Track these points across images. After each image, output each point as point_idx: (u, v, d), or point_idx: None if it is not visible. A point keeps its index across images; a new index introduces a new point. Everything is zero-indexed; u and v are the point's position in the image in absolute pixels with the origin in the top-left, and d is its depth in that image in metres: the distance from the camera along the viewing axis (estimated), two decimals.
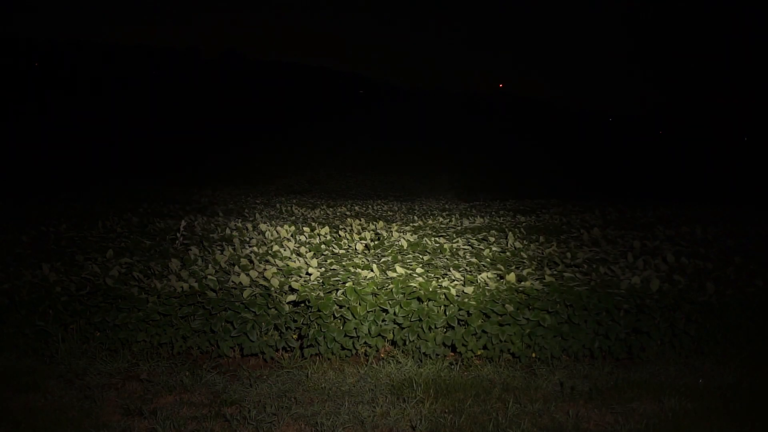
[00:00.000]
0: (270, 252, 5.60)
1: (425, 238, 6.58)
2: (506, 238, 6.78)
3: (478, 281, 4.66)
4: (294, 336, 4.44)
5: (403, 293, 4.34)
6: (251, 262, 5.31)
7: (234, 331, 4.29)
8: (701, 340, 4.43)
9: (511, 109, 63.39)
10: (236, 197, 17.01)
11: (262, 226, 7.28)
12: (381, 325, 4.29)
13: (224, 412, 3.52)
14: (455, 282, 4.63)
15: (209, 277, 4.70)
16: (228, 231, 7.19)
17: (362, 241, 6.30)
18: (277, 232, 6.91)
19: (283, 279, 4.60)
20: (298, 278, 4.68)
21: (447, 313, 4.30)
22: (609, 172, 31.81)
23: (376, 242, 6.38)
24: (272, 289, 4.48)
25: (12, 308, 4.47)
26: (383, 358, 4.35)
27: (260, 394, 3.80)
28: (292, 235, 6.74)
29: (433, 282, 4.52)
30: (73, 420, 3.43)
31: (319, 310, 4.24)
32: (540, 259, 5.62)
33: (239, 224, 7.89)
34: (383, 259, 5.43)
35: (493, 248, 6.09)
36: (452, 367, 4.22)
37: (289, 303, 4.41)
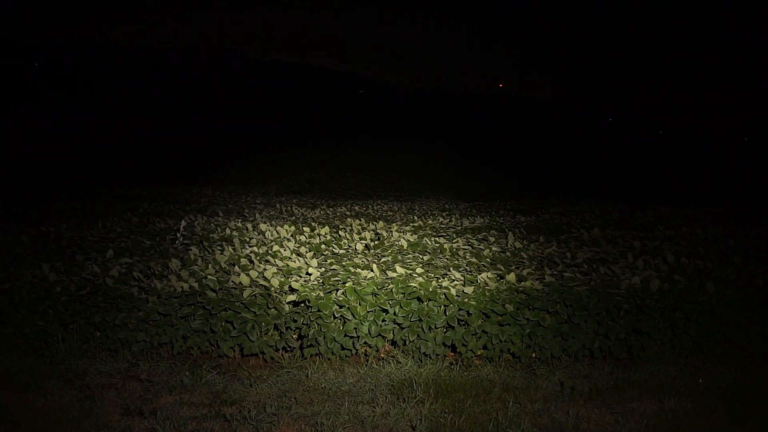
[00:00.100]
0: (270, 252, 5.60)
1: (425, 238, 6.58)
2: (506, 238, 6.78)
3: (478, 281, 4.66)
4: (294, 336, 4.44)
5: (403, 293, 4.34)
6: (251, 262, 5.31)
7: (234, 331, 4.29)
8: (701, 340, 4.43)
9: (510, 109, 63.36)
10: (236, 197, 17.03)
11: (262, 226, 7.28)
12: (381, 325, 4.29)
13: (224, 412, 3.52)
14: (455, 282, 4.63)
15: (209, 277, 4.70)
16: (228, 231, 7.19)
17: (362, 241, 6.30)
18: (277, 232, 6.92)
19: (283, 279, 4.60)
20: (298, 278, 4.68)
21: (447, 313, 4.30)
22: (609, 172, 31.81)
23: (376, 242, 6.38)
24: (272, 289, 4.48)
25: (12, 308, 4.47)
26: (383, 358, 4.35)
27: (260, 394, 3.80)
28: (292, 235, 6.74)
29: (433, 282, 4.52)
30: (73, 420, 3.43)
31: (319, 310, 4.24)
32: (540, 259, 5.62)
33: (239, 224, 7.89)
34: (383, 259, 5.43)
35: (493, 248, 6.09)
36: (452, 367, 4.22)
37: (289, 303, 4.41)
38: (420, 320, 4.27)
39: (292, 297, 4.39)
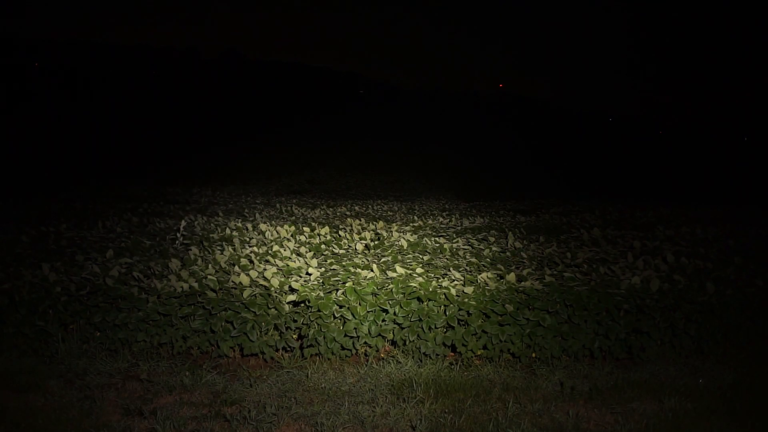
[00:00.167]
0: (270, 252, 5.60)
1: (425, 238, 6.58)
2: (506, 238, 6.78)
3: (478, 281, 4.66)
4: (294, 336, 4.44)
5: (403, 293, 4.34)
6: (251, 262, 5.31)
7: (234, 331, 4.29)
8: (701, 340, 4.43)
9: (511, 109, 63.41)
10: (236, 197, 17.03)
11: (262, 226, 7.28)
12: (381, 325, 4.29)
13: (224, 412, 3.52)
14: (455, 282, 4.63)
15: (209, 277, 4.70)
16: (228, 231, 7.19)
17: (362, 241, 6.30)
18: (277, 232, 6.92)
19: (283, 279, 4.60)
20: (298, 278, 4.68)
21: (447, 313, 4.30)
22: (609, 172, 31.81)
23: (376, 242, 6.38)
24: (272, 289, 4.48)
25: (12, 308, 4.47)
26: (383, 358, 4.35)
27: (260, 394, 3.80)
28: (292, 235, 6.74)
29: (433, 282, 4.52)
30: (73, 420, 3.43)
31: (319, 310, 4.24)
32: (540, 259, 5.62)
33: (239, 224, 7.89)
34: (383, 259, 5.43)
35: (493, 248, 6.09)
36: (452, 367, 4.22)
37: (289, 303, 4.41)
38: (420, 320, 4.27)
39: (292, 297, 4.39)
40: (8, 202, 12.05)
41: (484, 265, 5.31)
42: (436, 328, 4.29)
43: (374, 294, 4.35)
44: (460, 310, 4.29)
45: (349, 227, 7.75)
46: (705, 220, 9.32)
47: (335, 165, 31.38)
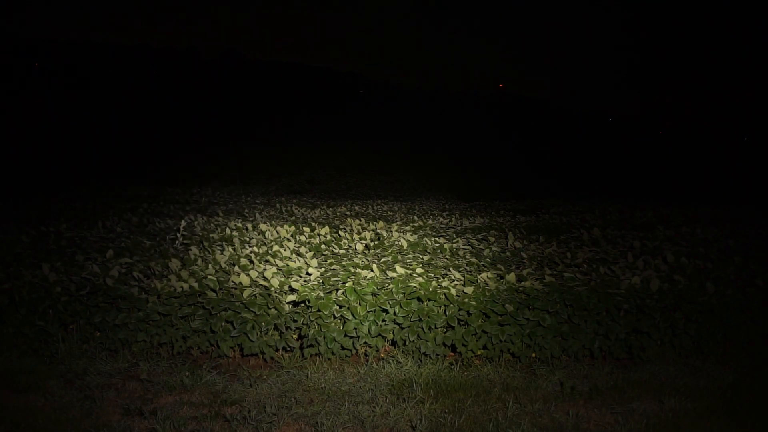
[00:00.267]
0: (270, 252, 5.60)
1: (425, 238, 6.58)
2: (506, 238, 6.78)
3: (478, 281, 4.66)
4: (294, 336, 4.44)
5: (403, 293, 4.34)
6: (251, 262, 5.31)
7: (234, 331, 4.29)
8: (701, 340, 4.43)
9: (511, 109, 63.42)
10: (236, 197, 17.03)
11: (262, 226, 7.28)
12: (381, 325, 4.29)
13: (224, 412, 3.52)
14: (455, 282, 4.63)
15: (209, 277, 4.70)
16: (228, 231, 7.18)
17: (362, 241, 6.30)
18: (277, 232, 6.91)
19: (283, 279, 4.60)
20: (298, 278, 4.68)
21: (447, 313, 4.30)
22: (609, 172, 31.81)
23: (376, 242, 6.38)
24: (272, 289, 4.48)
25: (12, 308, 4.47)
26: (383, 358, 4.35)
27: (260, 394, 3.80)
28: (292, 235, 6.74)
29: (433, 282, 4.52)
30: (73, 420, 3.43)
31: (319, 310, 4.24)
32: (540, 259, 5.62)
33: (239, 224, 7.89)
34: (383, 259, 5.43)
35: (493, 248, 6.09)
36: (452, 367, 4.22)
37: (289, 303, 4.41)
38: (420, 320, 4.27)
39: (292, 297, 4.38)
40: (8, 202, 12.04)
41: (484, 265, 5.31)
42: (436, 328, 4.29)
43: (374, 294, 4.35)
44: (460, 310, 4.29)
45: (349, 227, 7.75)
46: (705, 220, 9.32)
47: (335, 165, 31.39)
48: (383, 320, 4.30)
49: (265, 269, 4.82)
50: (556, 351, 4.28)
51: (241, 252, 5.70)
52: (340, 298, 4.30)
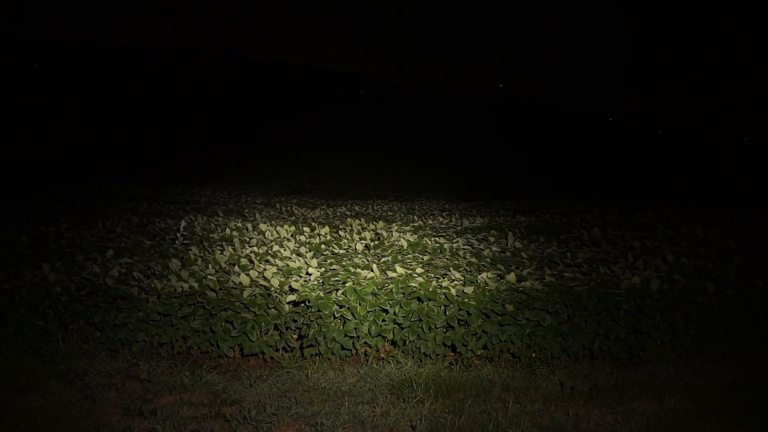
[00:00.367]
0: (270, 252, 5.60)
1: (425, 238, 6.58)
2: (506, 238, 6.78)
3: (478, 281, 4.66)
4: (294, 336, 4.44)
5: (403, 293, 4.34)
6: (251, 262, 5.31)
7: (234, 331, 4.29)
8: (701, 340, 4.43)
9: (511, 109, 63.41)
10: (236, 197, 17.04)
11: (262, 226, 7.28)
12: (381, 325, 4.29)
13: (224, 412, 3.52)
14: (455, 282, 4.63)
15: (209, 277, 4.70)
16: (228, 231, 7.18)
17: (362, 241, 6.30)
18: (277, 232, 6.91)
19: (283, 279, 4.60)
20: (298, 278, 4.68)
21: (447, 313, 4.30)
22: (609, 172, 31.81)
23: (376, 242, 6.38)
24: (272, 289, 4.48)
25: (12, 308, 4.47)
26: (383, 358, 4.35)
27: (260, 394, 3.80)
28: (292, 235, 6.74)
29: (433, 282, 4.52)
30: (73, 420, 3.43)
31: (319, 310, 4.24)
32: (540, 259, 5.62)
33: (239, 224, 7.89)
34: (383, 259, 5.43)
35: (493, 248, 6.09)
36: (452, 367, 4.22)
37: (289, 303, 4.41)
38: (420, 320, 4.27)
39: (292, 297, 4.39)
40: (8, 202, 12.04)
41: (484, 265, 5.31)
42: (436, 328, 4.29)
43: (374, 294, 4.35)
44: (460, 310, 4.29)
45: (349, 227, 7.75)
46: (705, 220, 9.31)
47: (335, 165, 31.39)
48: (383, 320, 4.30)
49: (265, 269, 4.82)
50: (556, 351, 4.28)
51: (241, 252, 5.70)
52: (340, 298, 4.30)
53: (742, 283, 4.80)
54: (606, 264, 5.31)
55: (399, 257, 5.51)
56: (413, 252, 5.89)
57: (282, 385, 3.92)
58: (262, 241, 6.44)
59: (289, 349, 4.43)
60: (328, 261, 5.31)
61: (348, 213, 11.83)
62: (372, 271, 4.73)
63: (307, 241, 6.44)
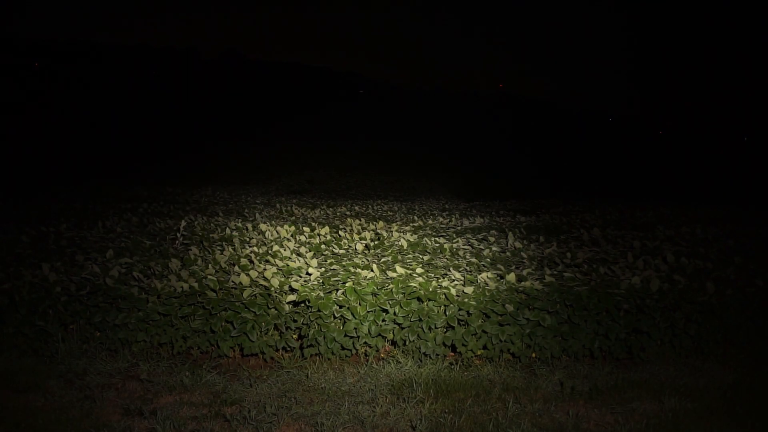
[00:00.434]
0: (270, 252, 5.60)
1: (425, 238, 6.58)
2: (506, 238, 6.78)
3: (478, 281, 4.66)
4: (294, 336, 4.44)
5: (403, 293, 4.34)
6: (251, 262, 5.31)
7: (234, 331, 4.29)
8: (701, 340, 4.43)
9: (511, 109, 63.37)
10: (236, 197, 17.02)
11: (262, 226, 7.28)
12: (381, 325, 4.29)
13: (224, 412, 3.52)
14: (455, 282, 4.63)
15: (209, 277, 4.70)
16: (228, 231, 7.19)
17: (362, 241, 6.30)
18: (277, 232, 6.92)
19: (283, 279, 4.60)
20: (298, 278, 4.68)
21: (447, 313, 4.30)
22: (609, 172, 31.80)
23: (376, 242, 6.38)
24: (272, 289, 4.48)
25: (12, 308, 4.47)
26: (383, 358, 4.35)
27: (260, 394, 3.80)
28: (292, 235, 6.74)
29: (433, 282, 4.52)
30: (73, 420, 3.43)
31: (319, 310, 4.24)
32: (540, 259, 5.62)
33: (239, 224, 7.89)
34: (383, 259, 5.43)
35: (493, 248, 6.09)
36: (452, 367, 4.22)
37: (289, 303, 4.41)
38: (420, 320, 4.27)
39: (292, 297, 4.39)
40: (8, 202, 12.04)
41: (484, 265, 5.30)
42: (436, 328, 4.29)
43: (374, 294, 4.35)
44: (460, 310, 4.29)
45: (349, 227, 7.75)
46: (705, 220, 9.31)
47: (335, 165, 31.38)
48: (383, 320, 4.30)
49: (265, 269, 4.82)
50: (556, 351, 4.28)
51: (241, 252, 5.70)
52: (340, 298, 4.30)
53: (742, 283, 4.79)
54: (606, 264, 5.31)
55: (399, 257, 5.51)
56: (413, 252, 5.89)
57: (282, 385, 3.92)
58: (262, 241, 6.44)
59: (289, 349, 4.43)
60: (328, 261, 5.31)
61: (348, 213, 11.83)
62: (372, 271, 4.73)
63: (307, 241, 6.44)
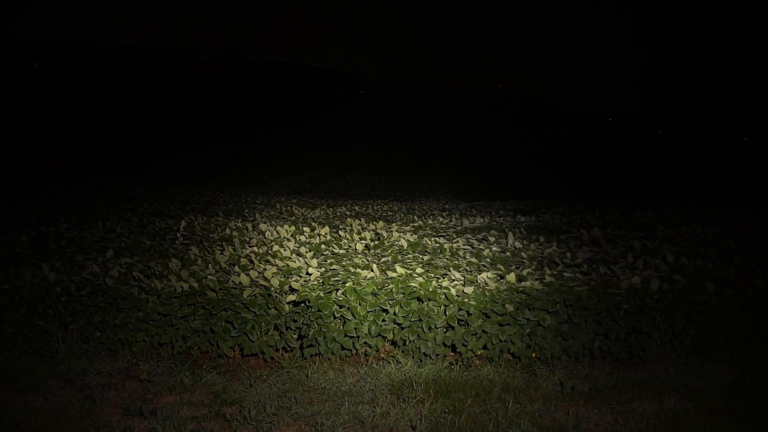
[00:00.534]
0: (270, 252, 5.60)
1: (425, 238, 6.58)
2: (506, 238, 6.78)
3: (478, 281, 4.66)
4: (294, 336, 4.44)
5: (403, 293, 4.34)
6: (251, 262, 5.31)
7: (234, 331, 4.29)
8: (701, 340, 4.43)
9: (511, 109, 63.36)
10: (236, 197, 17.04)
11: (262, 226, 7.28)
12: (381, 325, 4.29)
13: (224, 412, 3.52)
14: (455, 282, 4.63)
15: (209, 277, 4.70)
16: (228, 231, 7.19)
17: (362, 241, 6.30)
18: (277, 232, 6.92)
19: (283, 279, 4.60)
20: (298, 278, 4.68)
21: (447, 313, 4.30)
22: (609, 172, 31.81)
23: (376, 242, 6.38)
24: (272, 289, 4.48)
25: (12, 308, 4.47)
26: (383, 358, 4.35)
27: (260, 394, 3.80)
28: (292, 235, 6.74)
29: (433, 282, 4.52)
30: (73, 420, 3.43)
31: (319, 310, 4.24)
32: (540, 259, 5.62)
33: (239, 224, 7.89)
34: (383, 259, 5.43)
35: (493, 248, 6.09)
36: (452, 367, 4.22)
37: (289, 303, 4.41)
38: (420, 320, 4.27)
39: (292, 297, 4.39)
40: (8, 202, 12.05)
41: (484, 265, 5.30)
42: (436, 328, 4.29)
43: (374, 294, 4.35)
44: (460, 310, 4.29)
45: (349, 227, 7.75)
46: (705, 220, 9.31)
47: (335, 165, 31.40)
48: (383, 320, 4.30)
49: (265, 269, 4.82)
50: (556, 351, 4.28)
51: (241, 252, 5.70)
52: (340, 298, 4.30)
53: (742, 283, 4.79)
54: (606, 264, 5.31)
55: (399, 257, 5.51)
56: (413, 252, 5.89)
57: (282, 385, 3.92)
58: (262, 241, 6.44)
59: (289, 349, 4.43)
60: (328, 261, 5.31)
61: (348, 213, 11.83)
62: (372, 271, 4.73)
63: (307, 241, 6.44)
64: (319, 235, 6.79)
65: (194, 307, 4.41)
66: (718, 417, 3.43)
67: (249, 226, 7.69)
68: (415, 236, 6.84)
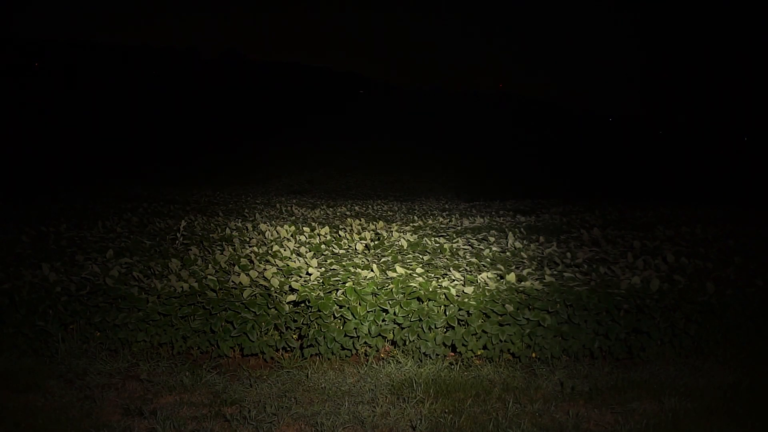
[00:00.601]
0: (270, 252, 5.60)
1: (425, 238, 6.58)
2: (506, 238, 6.78)
3: (478, 281, 4.66)
4: (294, 336, 4.44)
5: (403, 293, 4.34)
6: (251, 262, 5.31)
7: (234, 331, 4.29)
8: (701, 340, 4.43)
9: (511, 110, 63.36)
10: (236, 197, 17.03)
11: (262, 226, 7.28)
12: (381, 325, 4.29)
13: (224, 412, 3.52)
14: (455, 282, 4.63)
15: (209, 277, 4.70)
16: (228, 231, 7.19)
17: (362, 241, 6.30)
18: (277, 232, 6.92)
19: (283, 279, 4.60)
20: (298, 278, 4.68)
21: (447, 313, 4.30)
22: (609, 172, 31.81)
23: (376, 242, 6.38)
24: (272, 289, 4.48)
25: (12, 308, 4.47)
26: (383, 358, 4.35)
27: (260, 394, 3.80)
28: (292, 235, 6.74)
29: (433, 282, 4.52)
30: (73, 420, 3.43)
31: (319, 310, 4.24)
32: (540, 259, 5.62)
33: (239, 224, 7.89)
34: (383, 259, 5.43)
35: (493, 248, 6.09)
36: (452, 367, 4.22)
37: (289, 303, 4.41)
38: (420, 320, 4.27)
39: (292, 297, 4.39)
40: (8, 202, 12.05)
41: (484, 265, 5.31)
42: (436, 328, 4.29)
43: (374, 294, 4.36)
44: (460, 310, 4.29)
45: (349, 227, 7.75)
46: (705, 220, 9.31)
47: (335, 165, 31.40)
48: (383, 320, 4.30)
49: (265, 269, 4.82)
50: (556, 351, 4.28)
51: (241, 252, 5.70)
52: (340, 298, 4.30)
53: (742, 283, 4.79)
54: (606, 264, 5.31)
55: (399, 257, 5.51)
56: (413, 252, 5.89)
57: (282, 385, 3.92)
58: (262, 241, 6.44)
59: (289, 349, 4.43)
60: (328, 261, 5.31)
61: (348, 213, 11.83)
62: (372, 271, 4.73)
63: (307, 241, 6.44)
64: (319, 235, 6.79)
65: (194, 307, 4.41)
66: (718, 417, 3.43)
67: (249, 226, 7.69)
68: (415, 236, 6.84)
